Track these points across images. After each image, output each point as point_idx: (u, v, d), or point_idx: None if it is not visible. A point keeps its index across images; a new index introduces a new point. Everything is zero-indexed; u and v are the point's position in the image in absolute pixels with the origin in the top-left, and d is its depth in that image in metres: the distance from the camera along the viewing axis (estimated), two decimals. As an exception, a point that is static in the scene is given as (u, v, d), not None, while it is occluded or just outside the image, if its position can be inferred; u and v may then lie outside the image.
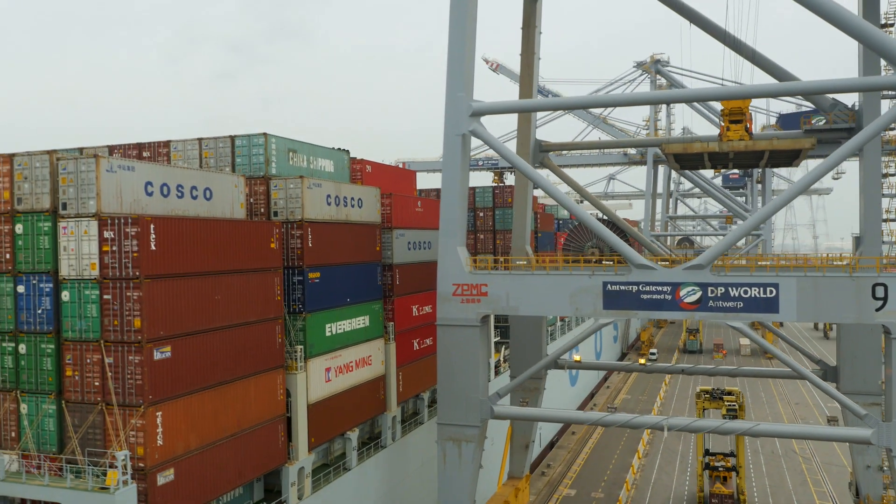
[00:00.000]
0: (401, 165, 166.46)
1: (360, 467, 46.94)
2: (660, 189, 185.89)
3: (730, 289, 41.75)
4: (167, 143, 44.90)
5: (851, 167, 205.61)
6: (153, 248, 31.08)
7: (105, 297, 31.13)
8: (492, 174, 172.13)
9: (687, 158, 57.10)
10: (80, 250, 31.57)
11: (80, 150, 47.17)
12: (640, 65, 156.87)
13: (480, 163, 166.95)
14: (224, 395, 35.22)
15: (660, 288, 42.89)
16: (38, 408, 32.37)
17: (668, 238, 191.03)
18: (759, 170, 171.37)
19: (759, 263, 43.88)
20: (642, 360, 73.74)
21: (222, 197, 38.30)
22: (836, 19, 41.21)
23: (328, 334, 44.30)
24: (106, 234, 31.07)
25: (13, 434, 32.93)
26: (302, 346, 41.37)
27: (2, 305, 33.01)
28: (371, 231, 49.70)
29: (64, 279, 31.84)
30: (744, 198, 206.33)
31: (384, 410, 51.09)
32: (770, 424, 45.14)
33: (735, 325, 42.04)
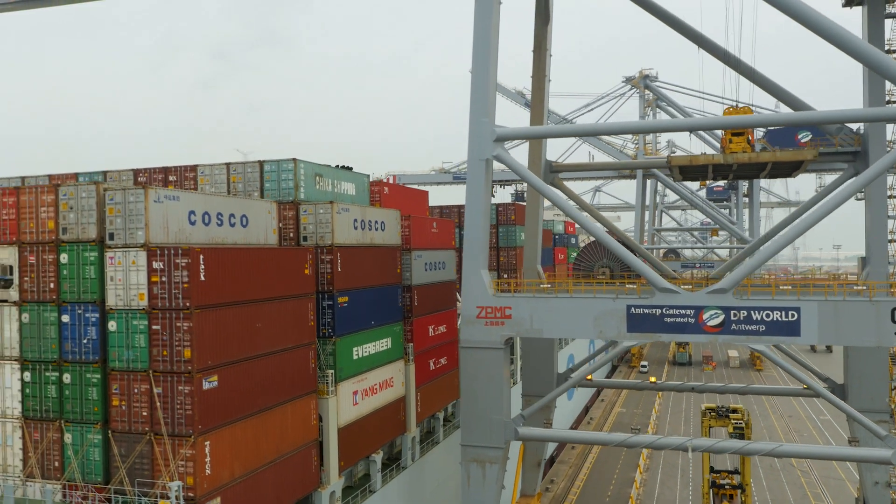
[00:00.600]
0: (391, 178, 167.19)
1: (384, 489, 47.22)
2: (646, 202, 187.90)
3: (752, 312, 42.67)
4: (194, 168, 45.11)
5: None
6: (202, 278, 31.32)
7: (154, 327, 31.31)
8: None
9: (691, 170, 58.52)
10: (127, 280, 31.73)
11: (104, 173, 47.28)
12: (628, 80, 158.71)
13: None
14: (264, 421, 35.45)
15: (683, 311, 43.71)
16: (83, 437, 32.40)
17: (654, 251, 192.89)
18: (746, 184, 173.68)
19: (781, 287, 44.78)
20: (653, 379, 74.34)
21: (257, 223, 38.63)
22: (843, 44, 42.39)
23: (355, 357, 44.63)
24: (155, 265, 31.27)
25: (56, 464, 32.92)
26: (332, 371, 41.66)
27: (45, 335, 33.05)
28: (393, 253, 50.15)
29: (111, 309, 31.97)
30: (728, 210, 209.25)
31: (404, 431, 51.41)
32: (792, 445, 46.14)
33: (758, 348, 42.97)
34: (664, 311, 43.99)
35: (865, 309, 40.95)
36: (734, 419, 64.09)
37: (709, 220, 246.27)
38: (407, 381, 51.74)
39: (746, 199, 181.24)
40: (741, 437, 62.95)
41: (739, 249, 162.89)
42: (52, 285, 32.89)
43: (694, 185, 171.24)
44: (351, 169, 64.37)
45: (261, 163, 44.02)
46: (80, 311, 32.48)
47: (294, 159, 43.55)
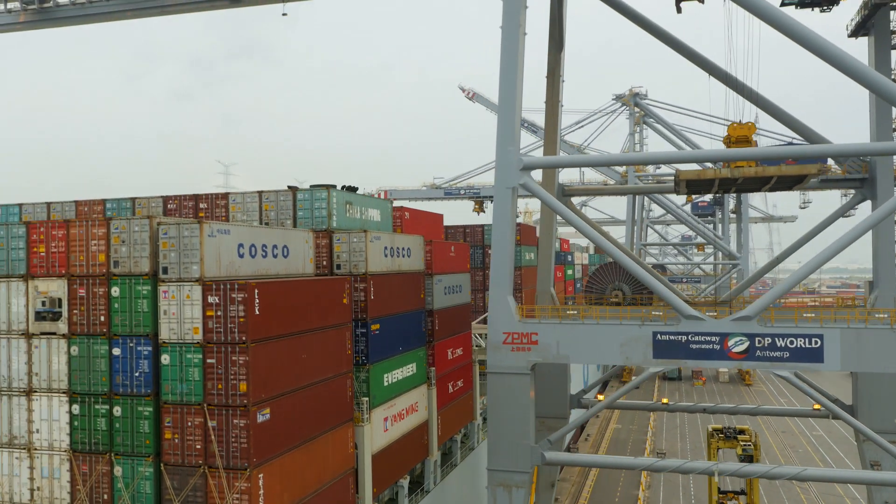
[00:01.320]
0: (382, 195, 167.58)
1: (412, 514, 47.62)
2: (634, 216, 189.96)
3: (776, 339, 43.67)
4: (225, 196, 45.42)
5: (817, 197, 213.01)
6: (257, 312, 31.67)
7: (209, 360, 31.59)
8: (472, 203, 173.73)
9: (698, 184, 59.84)
10: (181, 314, 32.00)
11: (133, 200, 47.40)
12: (619, 97, 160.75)
13: (462, 192, 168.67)
14: (308, 452, 35.76)
15: (708, 338, 44.61)
16: (134, 471, 32.51)
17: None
18: (733, 200, 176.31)
19: (804, 315, 45.87)
20: (665, 400, 74.78)
21: (296, 253, 39.05)
22: (850, 70, 43.78)
23: (385, 384, 45.05)
24: (210, 299, 31.58)
25: (105, 497, 32.98)
26: (367, 398, 42.05)
27: (95, 367, 33.18)
28: (418, 279, 50.70)
29: (164, 342, 32.20)
30: (712, 224, 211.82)
31: (427, 455, 51.82)
32: (817, 469, 47.24)
33: (782, 375, 43.98)
34: (690, 337, 44.87)
35: (887, 336, 42.12)
36: (742, 441, 64.88)
37: (690, 233, 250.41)
38: (430, 405, 52.20)
39: (733, 215, 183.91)
40: (750, 458, 63.82)
41: (728, 265, 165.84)
42: (102, 318, 33.05)
43: (679, 200, 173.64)
44: (356, 190, 64.67)
45: (293, 191, 44.44)
46: (131, 345, 32.67)
47: (327, 187, 44.01)
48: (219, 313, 31.45)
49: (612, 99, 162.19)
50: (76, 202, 48.80)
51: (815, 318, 45.29)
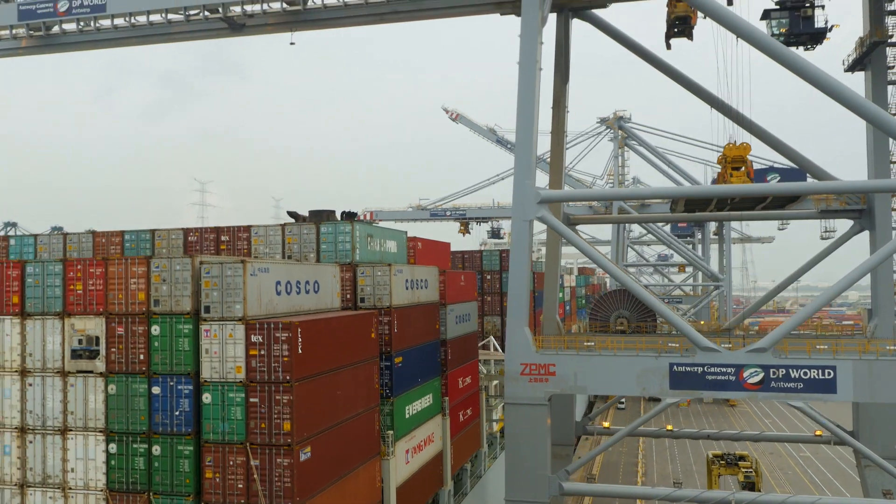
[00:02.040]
0: (367, 216, 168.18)
1: (430, 545, 47.77)
2: (610, 236, 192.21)
3: (790, 370, 44.74)
4: (247, 229, 45.60)
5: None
6: (300, 351, 31.92)
7: (251, 399, 31.73)
8: (458, 224, 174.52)
9: (695, 202, 61.54)
10: (224, 353, 32.14)
11: (152, 232, 47.37)
12: (603, 120, 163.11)
13: (448, 213, 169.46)
14: (342, 488, 35.91)
15: (724, 369, 45.56)
16: (174, 510, 32.45)
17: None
18: (717, 222, 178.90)
19: (817, 347, 47.00)
20: (669, 427, 75.39)
21: (325, 288, 39.36)
22: (847, 102, 45.56)
23: (407, 416, 45.33)
24: (253, 338, 31.78)
25: (143, 536, 32.85)
26: (392, 431, 42.29)
27: (134, 406, 33.14)
28: (434, 310, 51.13)
29: (205, 381, 32.28)
30: (691, 245, 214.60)
31: (442, 485, 52.05)
32: (832, 499, 48.09)
33: (796, 405, 45.03)
34: (706, 368, 45.80)
35: (898, 368, 43.43)
36: (744, 467, 65.96)
37: (667, 252, 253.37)
38: (444, 435, 52.47)
39: (714, 236, 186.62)
40: (752, 485, 64.88)
41: (710, 286, 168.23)
42: (142, 356, 33.07)
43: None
44: (355, 216, 65.14)
45: (317, 224, 44.77)
46: (171, 383, 32.70)
47: (352, 221, 44.40)
48: (262, 352, 31.64)
49: (597, 122, 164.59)
50: (93, 233, 48.66)
51: (828, 349, 46.47)
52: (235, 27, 64.56)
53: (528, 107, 49.27)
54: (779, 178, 75.41)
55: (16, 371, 34.74)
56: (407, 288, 46.22)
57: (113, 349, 33.43)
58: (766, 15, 53.95)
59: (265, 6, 60.77)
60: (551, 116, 64.46)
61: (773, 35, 54.90)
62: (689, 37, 56.59)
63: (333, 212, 75.29)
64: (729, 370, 45.52)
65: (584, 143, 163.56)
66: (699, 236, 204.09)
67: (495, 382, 71.97)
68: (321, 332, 34.08)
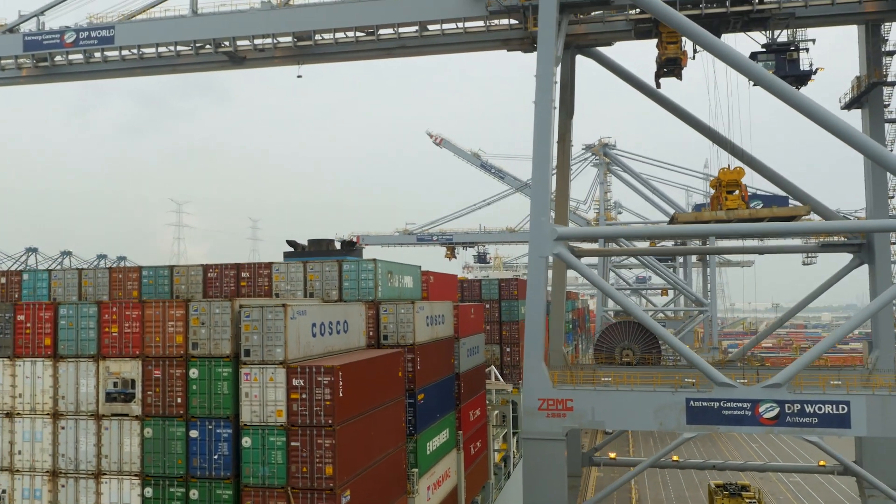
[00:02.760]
0: (355, 239, 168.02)
1: (449, 581, 47.68)
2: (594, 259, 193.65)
3: (805, 405, 45.60)
4: (268, 265, 45.66)
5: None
6: (341, 394, 32.03)
7: (293, 443, 31.73)
8: (444, 249, 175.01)
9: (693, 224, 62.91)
10: (264, 397, 32.16)
11: (171, 268, 47.22)
12: (589, 147, 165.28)
13: (435, 238, 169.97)
14: (375, 529, 35.92)
15: (740, 404, 46.30)
16: (212, 555, 32.25)
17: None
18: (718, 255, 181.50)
19: (831, 382, 47.96)
20: (675, 458, 75.66)
21: (353, 327, 39.54)
22: (846, 137, 47.21)
23: (428, 452, 45.40)
24: (295, 382, 31.84)
25: (179, 581, 32.58)
26: (416, 469, 42.37)
27: (171, 450, 32.97)
28: (450, 344, 51.41)
29: (245, 425, 32.25)
30: (672, 269, 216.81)
31: (457, 520, 52.07)
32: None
33: (811, 440, 45.83)
34: (722, 404, 46.52)
35: (910, 403, 44.47)
36: (748, 497, 66.57)
37: (645, 275, 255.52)
38: (458, 469, 52.55)
39: (697, 260, 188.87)
40: (754, 515, 65.53)
41: (694, 311, 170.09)
42: (179, 399, 32.96)
43: (642, 245, 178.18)
44: (353, 244, 65.72)
45: (339, 262, 44.95)
46: (210, 427, 32.61)
47: (374, 260, 44.66)
48: (303, 396, 31.71)
49: (583, 149, 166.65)
50: (110, 269, 48.34)
51: (842, 384, 47.43)
52: (236, 60, 64.96)
53: (543, 146, 50.08)
54: (762, 205, 76.99)
55: (47, 414, 34.45)
56: (427, 324, 46.47)
57: (149, 392, 33.29)
58: (754, 57, 55.50)
59: (275, 41, 61.35)
60: (556, 151, 65.48)
61: None
62: (679, 76, 58.04)
63: (332, 241, 75.27)
64: (745, 405, 46.26)
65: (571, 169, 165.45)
66: (680, 260, 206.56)
67: (496, 412, 72.19)
68: (359, 374, 34.23)
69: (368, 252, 73.18)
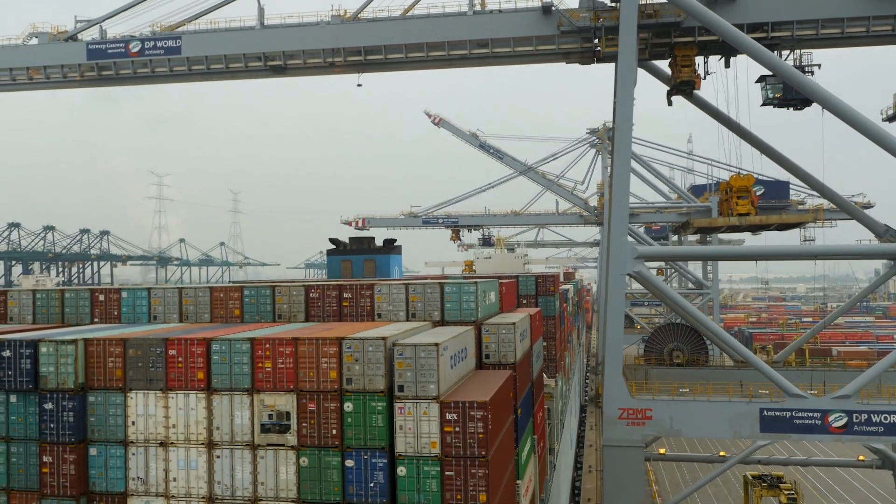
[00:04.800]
0: (360, 222, 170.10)
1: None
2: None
3: (872, 415, 49.03)
4: (370, 286, 47.51)
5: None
6: (490, 426, 34.41)
7: (447, 473, 34.08)
8: (450, 231, 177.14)
9: (707, 229, 66.53)
10: (418, 430, 34.39)
11: (272, 287, 48.87)
12: (593, 132, 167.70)
13: (440, 220, 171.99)
14: (503, 544, 38.52)
15: (811, 414, 49.64)
16: (370, 575, 34.67)
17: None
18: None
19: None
20: (723, 453, 79.34)
21: (469, 352, 41.81)
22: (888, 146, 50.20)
23: (522, 462, 48.03)
24: (448, 416, 34.11)
25: None
26: (520, 482, 44.98)
27: (327, 478, 35.16)
28: (530, 355, 53.86)
29: (400, 455, 34.50)
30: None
31: (535, 520, 54.94)
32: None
33: (878, 447, 49.35)
34: (794, 413, 49.84)
35: (972, 411, 48.13)
36: (785, 489, 70.16)
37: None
38: (535, 473, 55.34)
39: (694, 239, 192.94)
40: (796, 507, 69.29)
41: (695, 293, 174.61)
42: (334, 431, 35.08)
43: (641, 230, 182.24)
44: (394, 242, 67.89)
45: (441, 285, 46.98)
46: (365, 457, 34.81)
47: (475, 281, 46.79)
48: (457, 429, 34.01)
49: (587, 133, 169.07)
50: (210, 288, 49.90)
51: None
52: (278, 70, 66.13)
53: (624, 167, 52.47)
54: (763, 191, 79.73)
55: (202, 443, 36.40)
56: (521, 340, 48.87)
57: (304, 424, 35.30)
58: (762, 79, 58.19)
59: (344, 58, 62.63)
60: (611, 160, 67.86)
61: (767, 98, 60.01)
62: (690, 97, 60.65)
63: (373, 238, 77.38)
64: (815, 415, 49.60)
65: (574, 153, 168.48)
66: (675, 238, 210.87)
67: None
68: (499, 403, 36.61)
69: (373, 237, 74.01)
